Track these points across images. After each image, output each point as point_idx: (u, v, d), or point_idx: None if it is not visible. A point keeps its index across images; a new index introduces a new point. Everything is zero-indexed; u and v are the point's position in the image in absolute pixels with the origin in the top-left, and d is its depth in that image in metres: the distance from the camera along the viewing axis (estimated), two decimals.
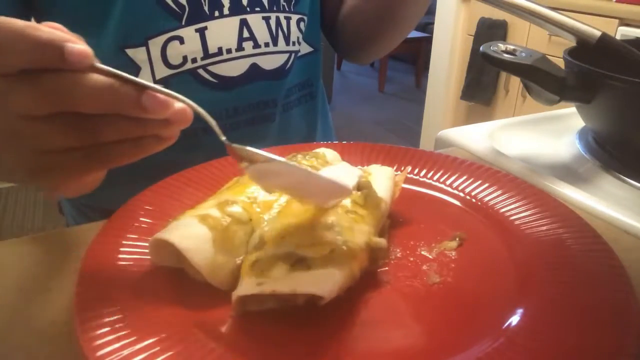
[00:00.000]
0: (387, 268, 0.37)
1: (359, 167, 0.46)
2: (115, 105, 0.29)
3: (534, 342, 0.30)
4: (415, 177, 0.50)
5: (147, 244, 0.35)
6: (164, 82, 0.56)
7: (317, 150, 0.47)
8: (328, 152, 0.47)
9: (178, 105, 0.30)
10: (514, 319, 0.32)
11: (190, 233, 0.34)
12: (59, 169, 0.31)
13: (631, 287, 0.33)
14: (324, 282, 0.30)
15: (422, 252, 0.39)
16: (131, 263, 0.35)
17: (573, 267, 0.36)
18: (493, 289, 0.36)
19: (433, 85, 2.71)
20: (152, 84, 0.29)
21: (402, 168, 0.49)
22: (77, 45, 0.27)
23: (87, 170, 0.31)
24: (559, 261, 0.37)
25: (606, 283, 0.34)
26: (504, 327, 0.31)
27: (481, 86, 2.37)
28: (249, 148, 0.32)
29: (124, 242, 0.37)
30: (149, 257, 0.35)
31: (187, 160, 0.48)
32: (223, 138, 0.32)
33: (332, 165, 0.44)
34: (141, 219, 0.40)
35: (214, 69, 0.58)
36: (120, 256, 0.36)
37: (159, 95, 0.29)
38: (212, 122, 0.32)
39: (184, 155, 0.50)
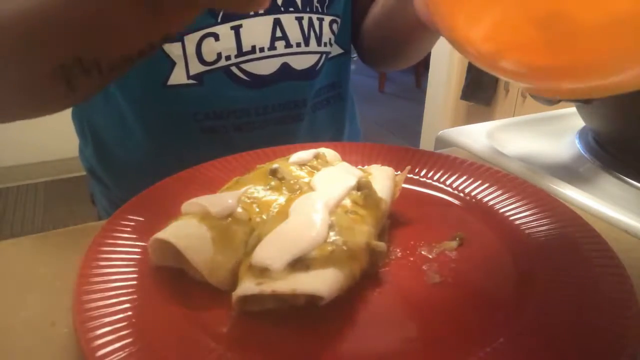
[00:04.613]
0: (387, 268, 0.37)
1: (359, 167, 0.46)
2: None
3: (534, 342, 0.30)
4: (415, 177, 0.50)
5: (147, 244, 0.35)
6: (198, 78, 0.57)
7: (317, 150, 0.47)
8: (328, 152, 0.47)
9: None
10: (514, 319, 0.32)
11: (190, 233, 0.34)
12: None
13: (631, 287, 0.33)
14: (324, 282, 0.30)
15: (422, 252, 0.39)
16: (131, 263, 0.35)
17: (573, 267, 0.36)
18: (493, 289, 0.36)
19: (433, 85, 2.71)
20: None
21: (402, 168, 0.49)
22: None
23: None
24: (559, 261, 0.37)
25: (606, 283, 0.34)
26: (504, 327, 0.31)
27: (481, 86, 2.37)
28: None
29: (124, 242, 0.37)
30: (149, 257, 0.35)
31: (217, 156, 0.50)
32: None
33: (332, 165, 0.44)
34: (141, 218, 0.40)
35: (246, 67, 0.59)
36: (120, 256, 0.36)
37: None
38: None
39: (215, 153, 0.50)
